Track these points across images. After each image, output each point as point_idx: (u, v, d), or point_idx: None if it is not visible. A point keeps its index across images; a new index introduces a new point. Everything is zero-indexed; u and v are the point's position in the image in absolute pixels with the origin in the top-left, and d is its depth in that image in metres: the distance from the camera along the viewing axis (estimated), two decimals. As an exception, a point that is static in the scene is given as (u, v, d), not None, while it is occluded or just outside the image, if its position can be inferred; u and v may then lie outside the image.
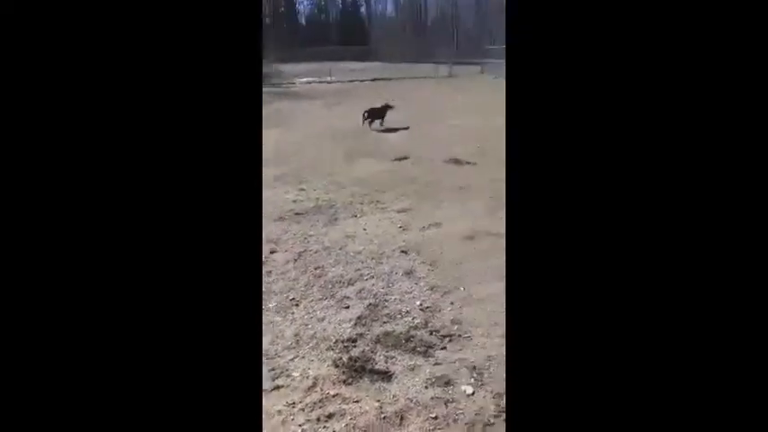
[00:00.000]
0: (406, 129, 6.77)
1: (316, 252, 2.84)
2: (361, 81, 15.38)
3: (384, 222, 3.32)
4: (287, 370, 1.77)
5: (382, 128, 6.82)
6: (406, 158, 5.21)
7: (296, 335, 1.99)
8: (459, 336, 1.95)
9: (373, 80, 15.62)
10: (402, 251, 2.82)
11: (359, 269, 2.60)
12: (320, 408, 1.58)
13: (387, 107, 6.89)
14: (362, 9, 38.55)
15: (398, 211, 3.52)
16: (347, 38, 29.91)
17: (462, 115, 8.03)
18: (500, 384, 1.65)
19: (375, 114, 6.78)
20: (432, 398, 1.61)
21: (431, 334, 1.97)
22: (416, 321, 2.07)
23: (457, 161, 4.98)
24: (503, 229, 3.05)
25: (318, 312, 2.17)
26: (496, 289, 2.32)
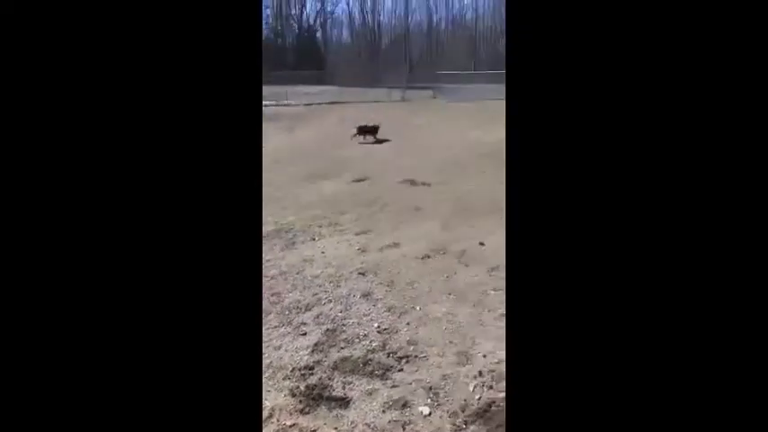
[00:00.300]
0: (389, 141, 8.03)
1: (272, 278, 2.79)
2: (318, 104, 15.48)
3: (342, 245, 3.32)
4: (241, 403, 1.71)
5: (374, 141, 8.08)
6: (364, 180, 5.27)
7: (251, 365, 1.94)
8: (416, 356, 1.97)
9: (330, 103, 15.77)
10: (360, 273, 2.83)
11: (316, 293, 2.58)
12: (276, 440, 1.53)
13: (376, 127, 8.19)
14: (318, 34, 39.14)
15: (357, 233, 3.54)
16: (303, 62, 30.15)
17: (422, 136, 8.29)
18: (456, 403, 1.68)
19: (367, 131, 8.15)
20: (389, 421, 1.61)
21: (388, 356, 1.98)
22: (374, 344, 2.07)
23: (412, 182, 5.10)
24: (456, 248, 3.15)
25: (275, 341, 2.13)
26: (450, 307, 2.38)
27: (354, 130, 8.00)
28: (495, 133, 7.64)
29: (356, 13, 39.82)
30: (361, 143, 7.85)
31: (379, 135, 8.08)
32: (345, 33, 41.45)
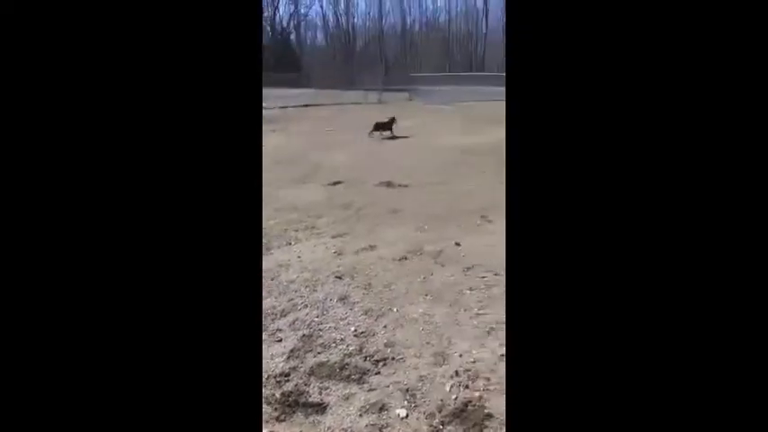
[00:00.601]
0: (407, 138, 8.23)
1: (246, 285, 2.75)
2: (295, 107, 15.35)
3: (319, 248, 3.29)
4: (214, 414, 1.67)
5: (390, 136, 8.24)
6: (340, 183, 5.24)
7: (225, 375, 1.90)
8: (393, 359, 1.97)
9: (306, 106, 15.67)
10: (337, 277, 2.81)
11: (292, 299, 2.54)
12: (251, 450, 1.50)
13: (393, 121, 8.29)
14: (292, 37, 38.83)
15: (333, 237, 3.51)
16: (278, 65, 29.84)
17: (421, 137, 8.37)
18: (433, 404, 1.68)
19: (382, 126, 8.24)
20: (366, 425, 1.60)
21: (365, 360, 1.97)
22: (351, 348, 2.06)
23: (389, 183, 5.11)
24: (433, 249, 3.17)
25: (249, 348, 2.09)
26: (427, 308, 2.38)
27: (371, 128, 8.20)
28: (479, 136, 7.76)
29: (330, 16, 39.76)
30: (383, 138, 8.12)
31: (395, 132, 8.18)
32: (320, 36, 41.32)
